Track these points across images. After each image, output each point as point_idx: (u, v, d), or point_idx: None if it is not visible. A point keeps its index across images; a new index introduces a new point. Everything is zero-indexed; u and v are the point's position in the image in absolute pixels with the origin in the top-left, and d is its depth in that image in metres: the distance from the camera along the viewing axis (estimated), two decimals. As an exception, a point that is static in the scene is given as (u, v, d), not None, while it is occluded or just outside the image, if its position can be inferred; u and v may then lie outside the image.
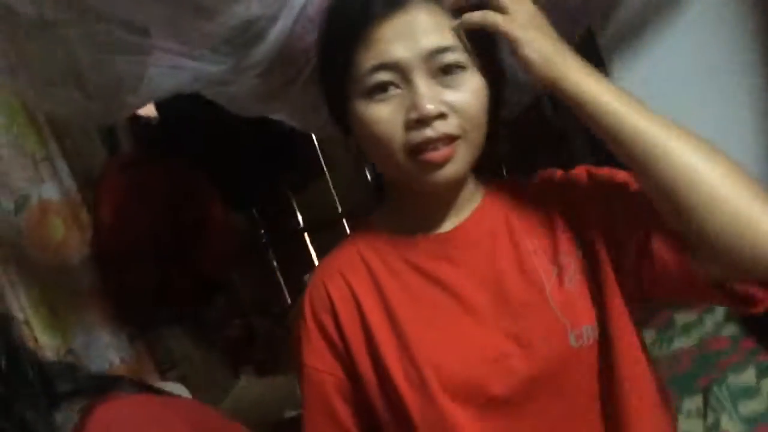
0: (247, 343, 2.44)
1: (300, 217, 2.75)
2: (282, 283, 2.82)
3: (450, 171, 0.80)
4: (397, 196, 0.91)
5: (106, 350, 1.67)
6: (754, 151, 1.46)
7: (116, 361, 1.69)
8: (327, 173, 2.67)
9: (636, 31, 1.40)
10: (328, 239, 2.76)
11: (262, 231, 2.79)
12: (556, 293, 0.83)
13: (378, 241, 0.90)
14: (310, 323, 0.88)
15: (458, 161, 0.80)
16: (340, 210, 2.69)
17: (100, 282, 1.70)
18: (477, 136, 0.81)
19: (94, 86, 0.96)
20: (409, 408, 0.81)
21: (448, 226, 0.88)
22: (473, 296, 0.84)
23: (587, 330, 0.81)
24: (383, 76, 0.78)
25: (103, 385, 0.85)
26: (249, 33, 0.93)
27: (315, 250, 2.76)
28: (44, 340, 1.65)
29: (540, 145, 1.94)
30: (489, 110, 0.82)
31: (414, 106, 0.77)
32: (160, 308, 1.74)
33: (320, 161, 2.64)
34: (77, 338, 1.67)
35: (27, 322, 1.64)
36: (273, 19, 0.92)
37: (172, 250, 1.73)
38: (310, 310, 0.88)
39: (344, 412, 0.86)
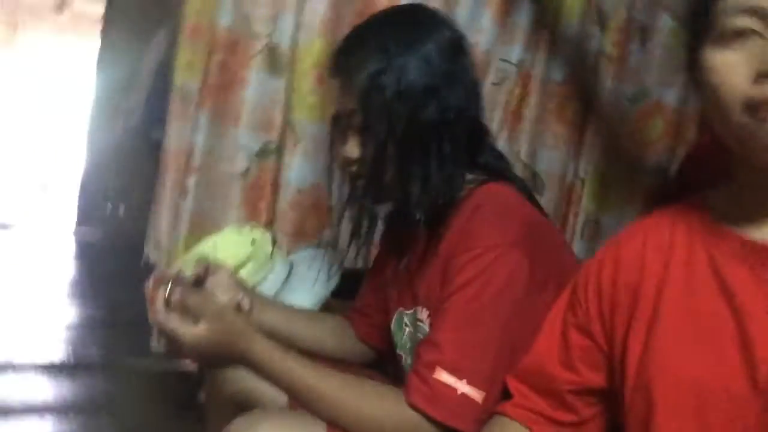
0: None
1: None
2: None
3: None
4: (738, 174, 0.76)
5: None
6: None
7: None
8: None
9: None
10: None
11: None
12: None
13: (696, 221, 0.77)
14: (592, 273, 0.83)
15: None
16: None
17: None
18: None
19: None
20: (624, 407, 0.76)
21: None
22: (757, 324, 0.68)
23: None
24: (744, 22, 0.65)
25: (504, 175, 1.07)
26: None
27: None
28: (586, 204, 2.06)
29: None
30: None
31: None
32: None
33: None
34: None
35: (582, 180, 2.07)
36: None
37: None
38: (598, 262, 0.83)
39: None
